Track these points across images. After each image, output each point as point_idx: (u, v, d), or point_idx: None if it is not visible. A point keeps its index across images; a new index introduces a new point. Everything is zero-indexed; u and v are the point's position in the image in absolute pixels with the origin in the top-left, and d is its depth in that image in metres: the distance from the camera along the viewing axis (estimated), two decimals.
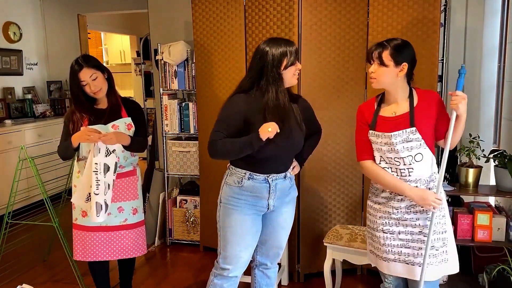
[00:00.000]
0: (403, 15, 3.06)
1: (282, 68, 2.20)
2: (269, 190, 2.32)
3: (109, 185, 2.57)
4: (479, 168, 2.97)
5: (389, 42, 2.14)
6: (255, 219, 2.37)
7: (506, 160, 2.87)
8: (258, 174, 2.30)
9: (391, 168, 2.18)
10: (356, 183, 3.34)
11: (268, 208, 2.36)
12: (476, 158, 3.01)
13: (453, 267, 2.26)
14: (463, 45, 3.75)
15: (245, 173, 2.31)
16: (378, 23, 3.13)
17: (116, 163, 2.59)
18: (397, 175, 2.17)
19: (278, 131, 2.12)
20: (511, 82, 3.33)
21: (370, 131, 2.20)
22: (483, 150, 3.00)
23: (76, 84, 2.55)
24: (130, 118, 2.70)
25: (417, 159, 2.14)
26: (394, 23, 3.09)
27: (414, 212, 2.19)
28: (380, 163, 2.21)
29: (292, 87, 2.37)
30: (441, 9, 3.15)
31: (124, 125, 2.67)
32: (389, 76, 2.13)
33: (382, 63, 2.11)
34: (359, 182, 3.34)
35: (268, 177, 2.31)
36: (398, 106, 2.19)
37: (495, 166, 2.98)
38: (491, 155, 2.99)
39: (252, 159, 2.27)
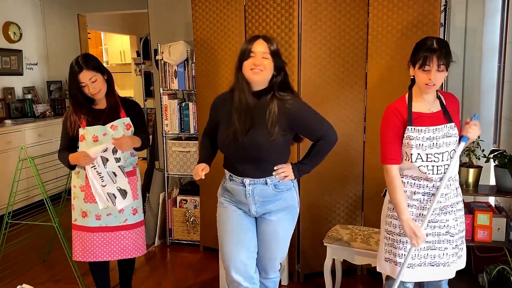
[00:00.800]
0: (403, 15, 3.06)
1: (243, 61, 2.15)
2: (245, 194, 2.26)
3: (114, 173, 2.63)
4: (479, 168, 2.97)
5: (443, 45, 2.10)
6: (243, 215, 2.32)
7: (506, 160, 2.87)
8: (236, 176, 2.28)
9: (427, 166, 2.15)
10: (356, 183, 3.34)
11: (251, 213, 2.32)
12: (476, 158, 3.01)
13: (462, 262, 2.31)
14: (463, 45, 3.75)
15: (227, 174, 2.33)
16: (378, 23, 3.13)
17: (114, 151, 2.61)
18: (433, 173, 2.15)
19: (202, 177, 2.22)
20: (511, 82, 3.33)
21: (410, 127, 2.15)
22: (483, 150, 3.00)
23: (75, 85, 2.54)
24: (128, 118, 2.70)
25: (452, 155, 2.16)
26: (394, 23, 3.09)
27: (444, 213, 2.20)
28: (416, 161, 2.15)
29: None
30: (441, 9, 3.15)
31: (123, 125, 2.67)
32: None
33: (447, 69, 2.10)
34: (359, 182, 3.33)
35: (243, 180, 2.26)
36: (432, 104, 2.20)
37: (495, 166, 2.98)
38: (491, 155, 2.99)
39: (226, 159, 2.33)
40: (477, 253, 3.22)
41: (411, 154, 2.16)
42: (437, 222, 2.20)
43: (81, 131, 2.60)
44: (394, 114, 2.19)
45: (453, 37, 3.74)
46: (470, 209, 3.01)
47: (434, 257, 2.22)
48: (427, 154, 2.14)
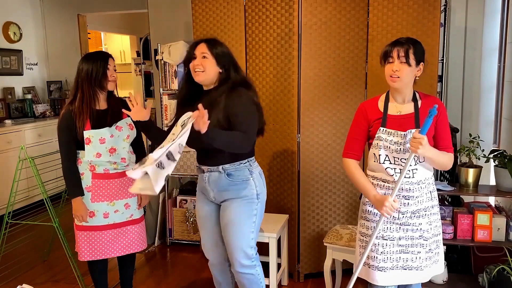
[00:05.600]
0: (403, 15, 3.07)
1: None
2: (204, 180, 2.46)
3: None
4: (479, 168, 2.97)
5: (410, 41, 2.11)
6: (205, 201, 2.54)
7: (506, 160, 2.87)
8: (199, 164, 2.49)
9: (395, 169, 2.14)
10: None
11: (212, 199, 2.49)
12: (476, 158, 3.01)
13: (440, 267, 2.28)
14: (463, 45, 3.75)
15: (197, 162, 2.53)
16: (378, 23, 3.13)
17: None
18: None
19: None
20: (511, 82, 3.33)
21: (381, 128, 2.15)
22: (483, 150, 3.00)
23: (103, 68, 2.60)
24: (130, 118, 2.71)
25: (421, 159, 2.14)
26: (394, 23, 3.09)
27: (417, 217, 2.17)
28: (383, 163, 2.15)
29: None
30: (441, 9, 3.15)
31: (126, 125, 2.70)
32: (410, 76, 2.12)
33: (408, 62, 2.08)
34: None
35: (202, 167, 2.46)
36: (403, 105, 2.17)
37: (495, 166, 2.98)
38: (491, 155, 2.99)
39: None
40: (477, 253, 3.22)
41: (379, 155, 2.16)
42: (409, 225, 2.17)
43: (86, 134, 2.57)
44: (361, 112, 2.24)
45: (453, 37, 3.74)
46: (470, 209, 3.01)
47: (407, 261, 2.19)
48: (394, 157, 2.14)
